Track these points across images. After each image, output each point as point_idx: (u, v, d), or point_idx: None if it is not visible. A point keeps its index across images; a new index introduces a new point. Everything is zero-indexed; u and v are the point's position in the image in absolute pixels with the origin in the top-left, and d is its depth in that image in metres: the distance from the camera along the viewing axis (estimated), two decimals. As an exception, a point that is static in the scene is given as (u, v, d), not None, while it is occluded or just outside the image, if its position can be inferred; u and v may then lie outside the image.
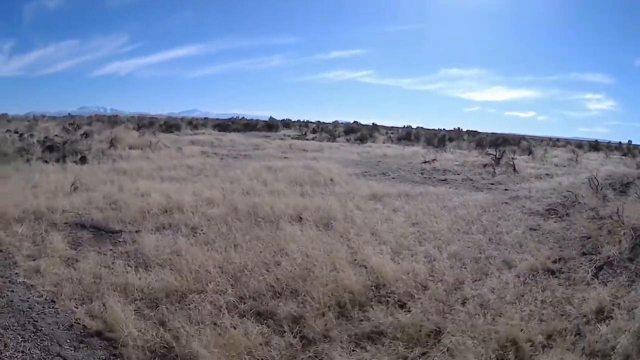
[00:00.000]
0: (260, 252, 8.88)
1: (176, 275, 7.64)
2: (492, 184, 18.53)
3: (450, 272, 8.14)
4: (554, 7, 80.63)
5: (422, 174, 21.04)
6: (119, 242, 9.76)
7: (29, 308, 6.68)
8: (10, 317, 6.31)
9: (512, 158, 24.46)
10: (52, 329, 6.13)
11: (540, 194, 14.60)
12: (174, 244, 9.21)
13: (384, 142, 41.24)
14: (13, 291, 7.21)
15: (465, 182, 18.99)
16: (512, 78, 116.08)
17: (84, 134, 30.42)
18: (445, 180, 19.30)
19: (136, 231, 10.36)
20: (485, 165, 23.29)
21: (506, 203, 13.63)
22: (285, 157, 25.14)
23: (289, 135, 44.52)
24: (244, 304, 6.89)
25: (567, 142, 52.68)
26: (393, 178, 19.42)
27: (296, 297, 7.06)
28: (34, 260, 8.41)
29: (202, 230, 10.29)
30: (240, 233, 9.98)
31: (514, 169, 21.90)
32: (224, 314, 6.46)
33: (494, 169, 22.00)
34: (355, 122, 54.02)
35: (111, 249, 9.27)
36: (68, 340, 5.89)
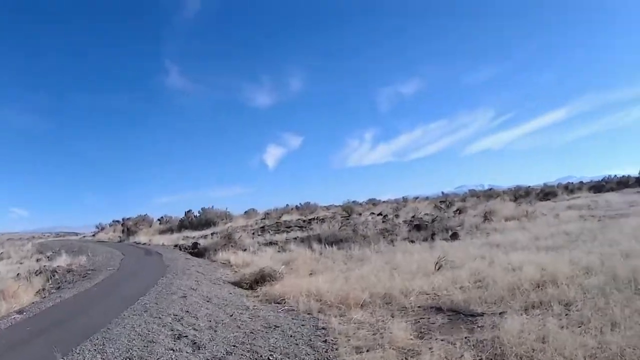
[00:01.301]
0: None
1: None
2: None
3: None
4: None
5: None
6: (477, 327, 8.01)
7: None
8: None
9: None
10: None
11: None
12: (541, 327, 7.28)
13: None
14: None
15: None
16: None
17: (456, 210, 29.60)
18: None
19: (500, 313, 8.55)
20: None
21: None
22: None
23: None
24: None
25: None
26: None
27: None
28: (361, 352, 7.19)
29: (576, 306, 8.27)
30: (619, 307, 7.70)
31: None
32: None
33: None
34: None
35: (465, 337, 7.52)
36: None
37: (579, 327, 7.16)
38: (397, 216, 29.53)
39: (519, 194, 43.08)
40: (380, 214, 31.30)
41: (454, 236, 19.44)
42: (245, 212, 46.43)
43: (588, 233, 17.13)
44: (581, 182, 57.58)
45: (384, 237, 20.02)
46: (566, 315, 7.85)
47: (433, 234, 19.93)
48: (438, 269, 12.45)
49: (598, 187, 46.43)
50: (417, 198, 50.87)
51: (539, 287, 9.87)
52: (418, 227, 21.91)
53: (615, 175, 52.28)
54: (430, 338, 7.62)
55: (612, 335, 6.50)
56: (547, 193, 43.38)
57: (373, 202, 49.75)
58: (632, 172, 51.66)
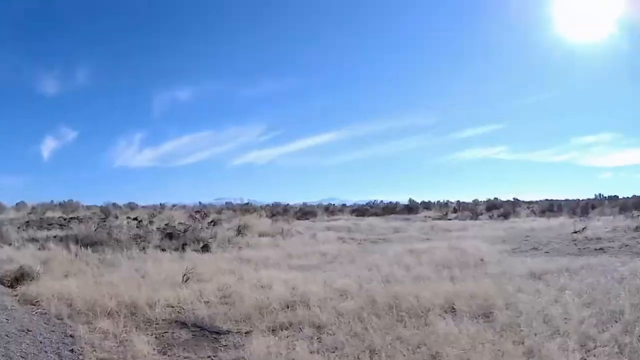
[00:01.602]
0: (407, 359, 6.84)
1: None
2: None
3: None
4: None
5: (575, 244, 18.83)
6: (222, 346, 7.77)
7: None
8: None
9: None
10: None
11: None
12: (290, 350, 7.11)
13: (527, 216, 38.26)
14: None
15: (623, 248, 16.93)
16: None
17: (211, 222, 29.64)
18: (601, 249, 17.14)
19: (246, 332, 8.28)
20: (637, 228, 21.33)
21: None
22: (427, 239, 22.97)
23: (429, 217, 41.86)
24: None
25: None
26: (546, 252, 17.32)
27: None
28: (106, 365, 6.97)
29: (329, 330, 8.10)
30: (379, 333, 7.75)
31: None
32: None
33: None
34: (495, 198, 50.80)
35: (209, 356, 7.35)
36: None
37: (333, 352, 7.11)
38: (151, 222, 29.19)
39: (277, 211, 44.00)
40: (136, 219, 30.77)
41: (205, 248, 19.20)
42: (17, 204, 43.50)
43: (346, 255, 17.55)
44: (344, 205, 59.12)
45: (137, 243, 19.62)
46: (318, 339, 7.69)
47: (184, 244, 19.62)
48: (186, 281, 12.04)
49: (361, 210, 47.98)
50: (174, 206, 50.48)
51: (288, 307, 9.61)
52: (170, 236, 21.61)
53: (382, 201, 54.88)
54: (173, 354, 7.41)
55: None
56: (306, 212, 44.49)
57: (131, 206, 49.09)
58: (402, 199, 54.18)
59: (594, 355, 6.74)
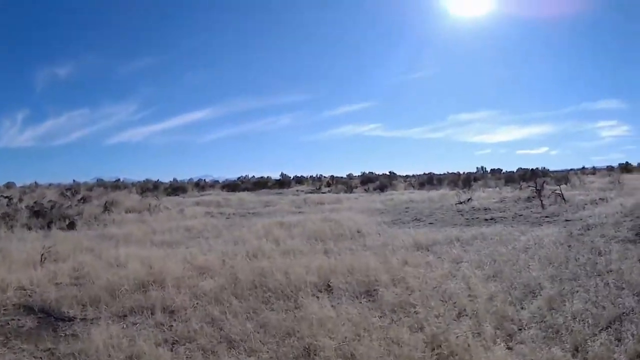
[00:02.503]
0: (272, 355, 5.52)
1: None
2: (546, 216, 15.63)
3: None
4: (559, 39, 78.17)
5: (461, 215, 17.59)
6: (65, 335, 6.54)
7: None
8: None
9: (558, 187, 20.68)
10: None
11: (610, 219, 12.18)
12: (134, 344, 5.87)
13: (405, 189, 37.60)
14: None
15: (517, 218, 15.81)
16: (523, 116, 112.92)
17: (81, 199, 28.32)
18: (492, 219, 15.90)
19: (93, 319, 7.06)
20: (528, 199, 20.48)
21: (581, 234, 10.91)
22: (300, 212, 21.46)
23: (302, 190, 40.79)
24: None
25: (593, 169, 48.60)
26: (430, 223, 15.94)
27: None
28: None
29: (184, 315, 6.97)
30: (240, 319, 6.56)
31: (563, 198, 18.91)
32: None
33: (541, 201, 18.71)
34: (370, 172, 50.23)
35: (50, 349, 6.09)
36: None
37: (183, 344, 6.02)
38: (21, 201, 26.96)
39: (147, 188, 42.80)
40: (7, 197, 26.97)
41: (71, 225, 18.11)
42: None
43: (212, 230, 16.38)
44: (216, 181, 58.30)
45: (5, 223, 17.99)
46: (170, 327, 6.59)
47: (50, 222, 18.24)
48: (43, 261, 10.65)
49: (233, 186, 47.20)
50: (50, 185, 48.12)
51: (142, 288, 8.40)
52: (37, 214, 20.12)
53: (254, 176, 53.36)
54: (14, 346, 6.29)
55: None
56: (176, 188, 43.80)
57: (8, 186, 46.11)
58: (275, 175, 53.14)
59: (522, 342, 5.45)
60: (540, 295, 6.79)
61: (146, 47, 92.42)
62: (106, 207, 23.08)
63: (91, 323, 6.93)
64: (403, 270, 8.47)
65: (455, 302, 6.73)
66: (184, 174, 74.72)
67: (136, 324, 6.82)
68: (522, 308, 6.41)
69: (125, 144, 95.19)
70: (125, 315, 7.23)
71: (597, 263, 8.28)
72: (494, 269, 8.41)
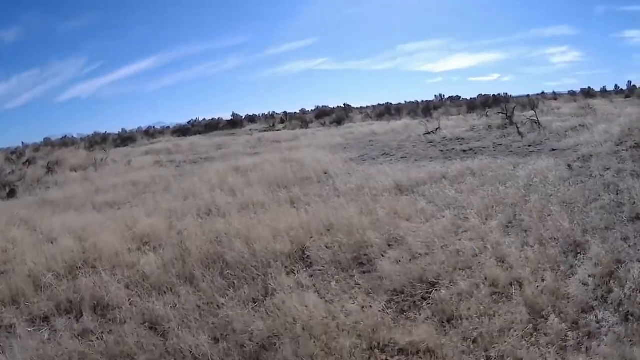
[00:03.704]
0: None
1: None
2: (529, 145, 14.24)
3: None
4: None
5: (434, 146, 15.87)
6: None
7: None
8: None
9: (533, 114, 19.12)
10: None
11: (604, 148, 11.67)
12: None
13: (363, 121, 35.38)
14: None
15: (498, 148, 14.23)
16: (472, 43, 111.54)
17: (26, 161, 25.80)
18: (471, 150, 14.26)
19: (10, 326, 5.38)
20: (501, 127, 18.81)
21: (581, 167, 10.04)
22: (256, 153, 19.55)
23: (256, 129, 38.34)
24: None
25: (554, 95, 47.48)
26: (403, 157, 14.19)
27: None
28: None
29: (118, 315, 5.20)
30: (191, 322, 4.72)
31: (539, 125, 17.52)
32: None
33: (518, 128, 17.31)
34: (324, 106, 48.13)
35: None
36: None
37: None
38: None
39: (95, 141, 39.65)
40: None
41: (12, 193, 16.14)
42: None
43: (161, 182, 14.45)
44: (167, 127, 54.04)
45: None
46: (100, 336, 4.81)
47: None
48: None
49: (183, 130, 44.63)
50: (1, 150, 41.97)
51: (71, 273, 6.59)
52: None
53: (204, 119, 50.21)
54: None
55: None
56: (125, 138, 40.82)
57: None
58: (226, 115, 49.48)
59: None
60: (589, 257, 5.22)
61: (88, 4, 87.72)
62: (49, 168, 20.92)
63: (8, 333, 5.27)
64: (394, 223, 6.78)
65: (485, 275, 5.02)
66: (135, 124, 71.81)
67: (59, 333, 5.07)
68: (583, 284, 4.73)
69: (76, 100, 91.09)
70: (48, 318, 5.53)
71: (622, 204, 7.03)
72: (507, 217, 6.83)
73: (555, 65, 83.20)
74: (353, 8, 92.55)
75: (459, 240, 6.04)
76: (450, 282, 4.90)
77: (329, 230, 6.71)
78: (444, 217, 7.01)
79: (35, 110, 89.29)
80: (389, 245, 6.05)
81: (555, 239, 5.83)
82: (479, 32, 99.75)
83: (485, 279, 4.91)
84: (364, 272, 5.46)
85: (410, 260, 5.55)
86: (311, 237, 6.44)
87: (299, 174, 11.93)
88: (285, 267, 5.67)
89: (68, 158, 23.52)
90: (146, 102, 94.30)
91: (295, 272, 5.47)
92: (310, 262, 5.85)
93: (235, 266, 5.86)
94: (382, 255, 5.74)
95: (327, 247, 6.09)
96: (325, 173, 11.94)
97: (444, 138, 17.28)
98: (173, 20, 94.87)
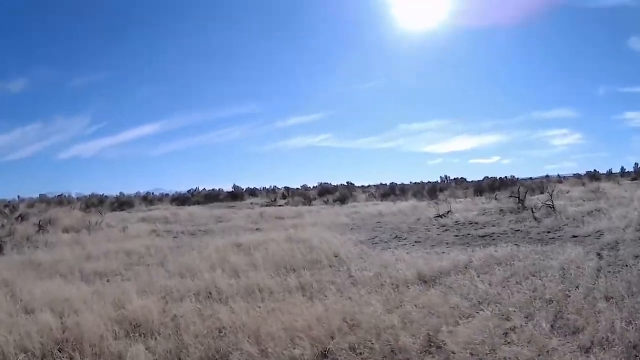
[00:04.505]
0: None
1: None
2: (548, 232, 13.51)
3: None
4: (509, 48, 78.68)
5: (448, 231, 15.08)
6: None
7: None
8: None
9: (550, 199, 18.40)
10: None
11: (628, 235, 11.29)
12: None
13: (367, 200, 34.80)
14: None
15: (517, 234, 13.46)
16: (474, 126, 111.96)
17: (19, 217, 25.11)
18: (489, 236, 13.49)
19: None
20: (514, 211, 18.08)
21: (611, 257, 9.47)
22: (258, 229, 18.70)
23: (257, 204, 37.61)
24: None
25: (559, 178, 47.17)
26: (417, 242, 13.34)
27: None
28: None
29: None
30: None
31: (554, 210, 16.93)
32: None
33: (533, 213, 16.56)
34: (326, 183, 47.76)
35: None
36: None
37: None
38: None
39: (92, 203, 39.41)
40: None
41: None
42: None
43: (157, 254, 13.40)
44: (166, 195, 53.88)
45: None
46: None
47: None
48: None
49: (183, 199, 44.18)
50: None
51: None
52: None
53: (205, 189, 50.45)
54: None
55: None
56: (123, 203, 40.43)
57: None
58: (226, 187, 49.93)
59: None
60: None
61: (98, 62, 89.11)
62: (41, 227, 20.07)
63: None
64: (428, 322, 5.85)
65: None
66: (134, 188, 71.38)
67: None
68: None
69: (77, 159, 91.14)
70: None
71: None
72: (552, 315, 6.05)
73: (556, 148, 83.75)
74: (362, 84, 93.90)
75: (508, 345, 5.14)
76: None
77: (352, 329, 5.77)
78: (481, 316, 6.11)
79: (36, 165, 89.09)
80: (428, 352, 5.12)
81: (610, 341, 5.05)
82: (480, 114, 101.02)
83: None
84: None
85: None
86: (333, 338, 5.49)
87: (308, 256, 11.04)
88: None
89: (62, 218, 22.79)
90: (147, 167, 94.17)
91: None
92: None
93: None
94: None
95: (353, 351, 5.17)
96: (337, 256, 11.10)
97: (457, 222, 16.55)
98: (182, 86, 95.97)
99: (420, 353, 5.08)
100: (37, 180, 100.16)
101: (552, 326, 5.62)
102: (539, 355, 4.82)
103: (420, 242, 13.34)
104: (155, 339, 5.99)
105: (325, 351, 5.22)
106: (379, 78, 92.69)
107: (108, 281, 9.96)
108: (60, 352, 5.84)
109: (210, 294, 8.26)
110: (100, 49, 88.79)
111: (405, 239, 14.12)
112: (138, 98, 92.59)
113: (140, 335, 6.24)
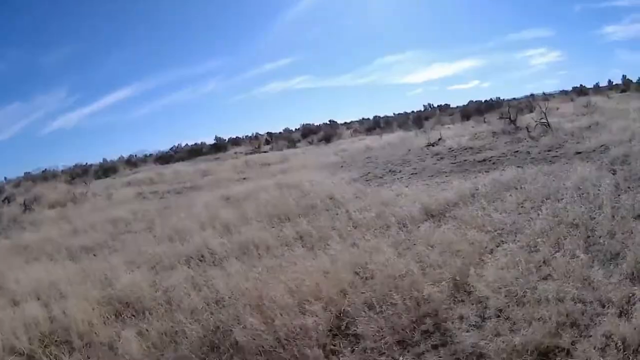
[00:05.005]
0: None
1: None
2: (548, 150, 12.98)
3: None
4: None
5: (443, 159, 14.47)
6: None
7: None
8: None
9: (544, 116, 17.75)
10: None
11: (636, 146, 10.75)
12: None
13: (352, 136, 33.78)
14: None
15: (517, 156, 12.93)
16: (450, 51, 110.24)
17: (5, 199, 24.21)
18: (488, 160, 12.90)
19: None
20: (507, 132, 17.56)
21: (622, 170, 9.03)
22: (245, 179, 18.11)
23: (241, 152, 36.30)
24: None
25: (545, 96, 46.41)
26: (414, 174, 12.68)
27: None
28: None
29: None
30: None
31: (550, 127, 16.42)
32: None
33: (529, 132, 16.21)
34: (308, 124, 46.82)
35: None
36: None
37: None
38: None
39: (76, 173, 38.13)
40: None
41: None
42: None
43: (143, 219, 12.77)
44: (149, 155, 52.05)
45: None
46: None
47: None
48: None
49: (166, 157, 42.84)
50: None
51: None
52: None
53: (187, 144, 49.12)
54: None
55: None
56: (107, 169, 39.03)
57: None
58: (209, 139, 48.47)
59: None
60: None
61: (64, 36, 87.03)
62: (26, 206, 19.57)
63: None
64: (449, 264, 5.22)
65: (609, 333, 3.61)
66: (117, 153, 70.57)
67: None
68: None
69: (59, 132, 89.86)
70: None
71: None
72: (581, 241, 5.44)
73: (535, 67, 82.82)
74: (327, 25, 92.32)
75: (544, 281, 4.53)
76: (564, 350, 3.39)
77: (365, 282, 5.13)
78: (505, 249, 5.49)
79: (20, 144, 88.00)
80: (459, 300, 4.49)
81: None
82: (455, 40, 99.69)
83: (608, 337, 3.46)
84: (436, 347, 3.90)
85: (497, 321, 4.02)
86: (346, 296, 4.81)
87: (301, 201, 10.40)
88: (323, 347, 4.04)
89: (47, 193, 22.18)
90: (129, 131, 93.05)
91: (338, 353, 3.88)
92: (356, 334, 4.22)
93: (252, 352, 4.18)
94: (453, 317, 4.19)
95: (372, 310, 4.48)
96: (331, 199, 10.39)
97: (450, 149, 15.88)
98: (149, 48, 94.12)
99: (450, 303, 4.45)
100: (23, 159, 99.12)
101: (586, 254, 5.00)
102: (584, 290, 4.21)
103: (416, 173, 12.74)
104: (147, 319, 5.36)
105: (340, 313, 4.53)
106: (348, 17, 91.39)
107: (95, 255, 9.42)
108: (48, 345, 5.39)
109: (203, 257, 7.69)
110: (63, 23, 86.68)
111: (400, 171, 13.50)
112: (109, 64, 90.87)
113: (131, 317, 5.68)
